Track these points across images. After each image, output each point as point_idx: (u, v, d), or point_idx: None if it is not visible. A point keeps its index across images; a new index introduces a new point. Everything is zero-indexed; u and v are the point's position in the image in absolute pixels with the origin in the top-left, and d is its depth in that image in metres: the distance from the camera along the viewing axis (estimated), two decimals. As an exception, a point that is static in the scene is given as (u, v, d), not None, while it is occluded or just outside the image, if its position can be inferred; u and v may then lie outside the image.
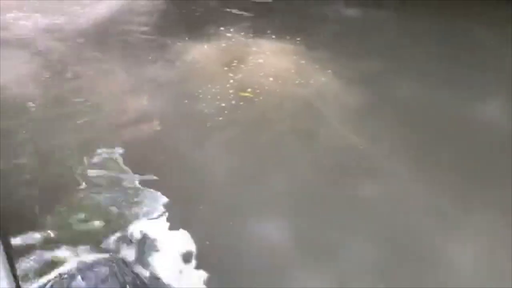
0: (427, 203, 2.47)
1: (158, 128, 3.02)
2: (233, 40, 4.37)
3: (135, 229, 2.25)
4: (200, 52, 4.10)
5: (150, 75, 3.70)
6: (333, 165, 2.77)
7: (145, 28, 4.67)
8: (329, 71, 3.71)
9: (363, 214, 2.40)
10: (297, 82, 3.58)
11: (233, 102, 3.27)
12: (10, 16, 4.85)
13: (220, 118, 3.09)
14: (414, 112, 3.26)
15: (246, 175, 2.69)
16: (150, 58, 3.99)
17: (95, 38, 4.48)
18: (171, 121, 3.10)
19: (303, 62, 3.89)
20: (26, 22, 4.78)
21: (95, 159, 2.73)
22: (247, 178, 2.66)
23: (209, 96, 3.34)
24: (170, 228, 2.29)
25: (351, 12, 5.36)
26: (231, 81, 3.58)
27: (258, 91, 3.41)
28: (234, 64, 3.88)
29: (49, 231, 2.24)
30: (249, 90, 3.41)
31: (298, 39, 4.33)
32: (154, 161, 2.73)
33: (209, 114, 3.14)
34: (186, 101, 3.31)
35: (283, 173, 2.69)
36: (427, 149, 2.88)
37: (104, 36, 4.57)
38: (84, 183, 2.55)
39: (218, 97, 3.35)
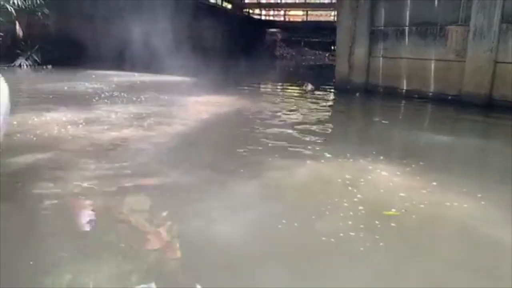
0: None
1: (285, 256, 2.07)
2: (336, 160, 3.62)
3: None
4: (304, 169, 3.33)
5: (257, 192, 2.87)
6: None
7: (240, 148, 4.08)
8: (479, 195, 2.82)
9: None
10: (439, 203, 2.68)
11: (377, 222, 2.34)
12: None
13: (372, 242, 2.13)
14: None
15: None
16: (242, 171, 3.24)
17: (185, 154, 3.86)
18: (298, 246, 2.14)
19: (434, 183, 3.03)
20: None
21: None
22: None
23: (341, 214, 2.42)
24: None
25: (445, 139, 4.71)
26: (359, 196, 2.71)
27: (403, 210, 2.50)
28: (349, 179, 3.05)
29: None
30: (393, 210, 2.49)
31: (412, 162, 3.56)
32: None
33: (351, 236, 2.19)
34: (313, 217, 2.39)
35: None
36: None
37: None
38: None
39: (351, 213, 2.43)
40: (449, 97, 7.73)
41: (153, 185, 2.93)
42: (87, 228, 2.29)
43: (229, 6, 23.41)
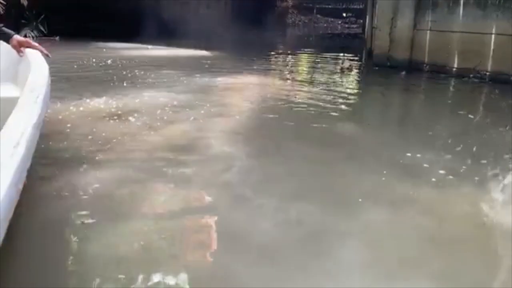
0: None
1: None
2: (466, 183, 2.74)
3: None
4: (450, 203, 2.45)
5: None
6: None
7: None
8: None
9: None
10: None
11: None
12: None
13: None
14: None
15: None
16: (366, 204, 2.40)
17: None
18: None
19: None
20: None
21: None
22: None
23: None
24: None
25: None
26: None
27: None
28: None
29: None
30: None
31: None
32: None
33: None
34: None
35: None
36: None
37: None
38: None
39: None
40: (511, 78, 6.81)
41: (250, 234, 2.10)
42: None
43: (238, -30, 21.80)
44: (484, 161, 3.10)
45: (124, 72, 6.92)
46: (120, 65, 7.63)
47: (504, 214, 2.35)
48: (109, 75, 6.67)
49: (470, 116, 4.47)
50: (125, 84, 6.02)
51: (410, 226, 2.14)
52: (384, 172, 2.82)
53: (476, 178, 2.73)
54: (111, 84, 5.97)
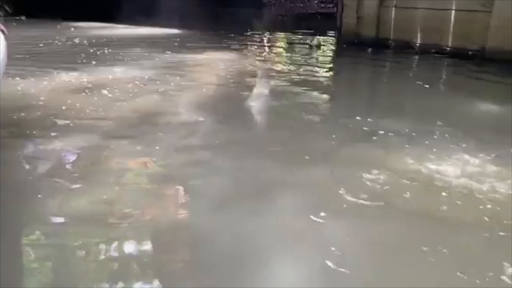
0: None
1: None
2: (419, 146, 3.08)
3: None
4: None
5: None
6: None
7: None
8: None
9: None
10: None
11: None
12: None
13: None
14: None
15: None
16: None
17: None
18: None
19: None
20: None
21: None
22: None
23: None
24: None
25: None
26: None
27: None
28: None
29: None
30: None
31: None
32: None
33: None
34: None
35: None
36: None
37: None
38: None
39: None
40: (470, 52, 7.25)
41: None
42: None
43: None
44: (427, 123, 3.47)
45: (92, 50, 7.00)
46: (88, 44, 7.68)
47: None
48: (77, 53, 6.75)
49: (425, 86, 4.86)
50: (94, 62, 6.11)
51: (347, 177, 2.47)
52: (334, 136, 3.15)
53: (415, 137, 3.10)
54: (79, 62, 6.07)
